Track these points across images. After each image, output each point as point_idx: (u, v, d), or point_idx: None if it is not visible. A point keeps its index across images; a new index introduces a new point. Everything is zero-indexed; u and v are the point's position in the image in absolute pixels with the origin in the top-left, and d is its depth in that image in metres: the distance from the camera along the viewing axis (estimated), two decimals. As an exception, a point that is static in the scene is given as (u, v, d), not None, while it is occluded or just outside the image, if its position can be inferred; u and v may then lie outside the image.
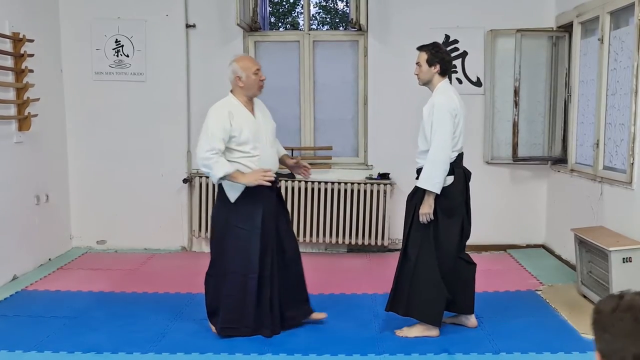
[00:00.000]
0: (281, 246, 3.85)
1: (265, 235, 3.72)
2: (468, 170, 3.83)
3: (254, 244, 3.69)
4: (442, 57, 3.73)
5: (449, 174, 3.67)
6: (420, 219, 3.66)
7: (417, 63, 3.77)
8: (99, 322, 4.06)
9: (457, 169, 3.73)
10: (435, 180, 3.60)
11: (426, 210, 3.64)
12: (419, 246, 3.72)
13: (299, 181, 5.69)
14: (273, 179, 3.71)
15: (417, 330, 3.79)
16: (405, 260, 3.79)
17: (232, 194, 3.72)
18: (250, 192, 3.68)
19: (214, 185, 5.86)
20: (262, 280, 3.72)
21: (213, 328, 3.87)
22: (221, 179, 3.63)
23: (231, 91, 3.82)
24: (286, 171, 4.28)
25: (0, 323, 4.06)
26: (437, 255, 3.69)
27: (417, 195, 3.75)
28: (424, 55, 3.73)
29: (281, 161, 4.04)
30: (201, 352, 3.56)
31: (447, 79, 3.81)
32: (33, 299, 4.58)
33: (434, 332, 3.77)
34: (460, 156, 3.77)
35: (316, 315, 4.00)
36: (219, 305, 3.80)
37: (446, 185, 3.67)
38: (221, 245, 3.79)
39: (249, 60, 3.86)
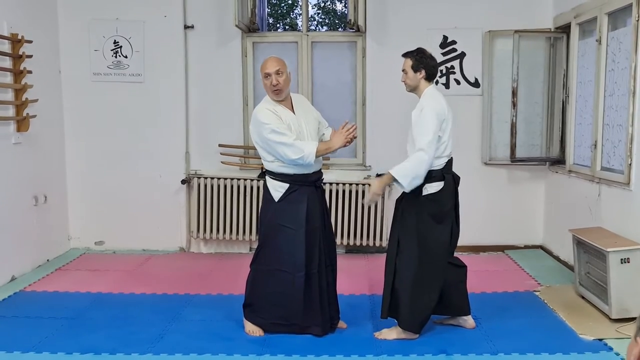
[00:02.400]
0: (327, 244, 3.87)
1: (311, 233, 3.73)
2: (457, 175, 3.82)
3: (299, 243, 3.70)
4: (426, 62, 3.73)
5: (438, 180, 3.66)
6: (365, 200, 3.64)
7: (403, 70, 3.79)
8: (97, 323, 4.06)
9: (447, 174, 3.71)
10: (408, 173, 3.54)
11: (374, 190, 3.66)
12: (403, 251, 3.71)
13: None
14: (355, 132, 3.75)
15: (395, 333, 3.78)
16: (389, 265, 3.79)
17: (276, 194, 3.73)
18: (295, 191, 3.71)
19: (212, 186, 5.88)
20: (310, 278, 3.72)
21: (246, 326, 3.87)
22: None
23: None
24: None
25: (-1, 324, 4.06)
26: (425, 262, 3.67)
27: (404, 200, 3.76)
28: (409, 62, 3.75)
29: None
30: (199, 353, 3.56)
31: (434, 84, 3.82)
32: (31, 300, 4.57)
33: (412, 334, 3.77)
34: (449, 162, 3.75)
35: (340, 325, 3.97)
36: (259, 302, 3.82)
37: (436, 191, 3.66)
38: (268, 244, 3.80)
39: (264, 63, 3.76)
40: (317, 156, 3.66)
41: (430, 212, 3.67)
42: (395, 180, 3.58)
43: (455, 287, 3.85)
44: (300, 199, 3.72)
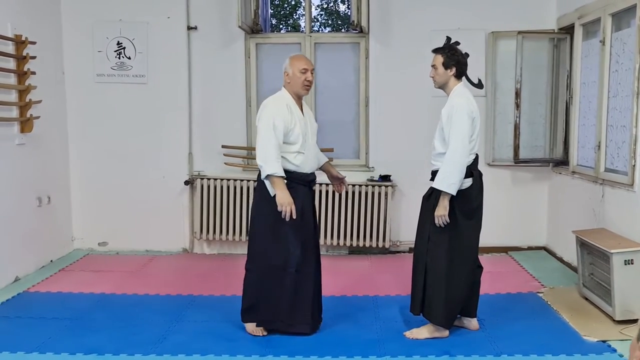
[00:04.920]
0: (315, 244, 3.90)
1: (304, 231, 3.75)
2: (480, 172, 3.82)
3: (293, 239, 3.71)
4: (457, 59, 3.71)
5: (467, 177, 3.64)
6: (436, 222, 3.63)
7: (433, 65, 3.75)
8: (101, 323, 4.07)
9: (475, 171, 3.72)
10: (451, 181, 3.56)
11: (441, 212, 3.60)
12: (434, 247, 3.70)
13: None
14: (290, 215, 3.64)
15: (426, 332, 3.79)
16: (419, 262, 3.78)
17: (273, 189, 3.69)
18: (291, 188, 3.68)
19: (215, 187, 5.89)
20: (303, 276, 3.74)
21: (248, 327, 3.87)
22: (267, 177, 3.62)
23: (284, 87, 3.83)
24: None
25: (2, 324, 4.07)
26: (457, 258, 3.68)
27: (433, 197, 3.73)
28: (440, 58, 3.72)
29: (322, 168, 4.05)
30: (202, 354, 3.56)
31: (463, 82, 3.79)
32: (35, 300, 4.58)
33: (443, 332, 3.78)
34: (476, 158, 3.75)
35: None
36: (258, 301, 3.80)
37: (465, 187, 3.65)
38: (262, 240, 3.79)
39: (300, 58, 3.82)
40: (269, 179, 3.62)
41: (461, 208, 3.65)
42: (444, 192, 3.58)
43: (471, 286, 3.84)
44: (296, 197, 3.70)
